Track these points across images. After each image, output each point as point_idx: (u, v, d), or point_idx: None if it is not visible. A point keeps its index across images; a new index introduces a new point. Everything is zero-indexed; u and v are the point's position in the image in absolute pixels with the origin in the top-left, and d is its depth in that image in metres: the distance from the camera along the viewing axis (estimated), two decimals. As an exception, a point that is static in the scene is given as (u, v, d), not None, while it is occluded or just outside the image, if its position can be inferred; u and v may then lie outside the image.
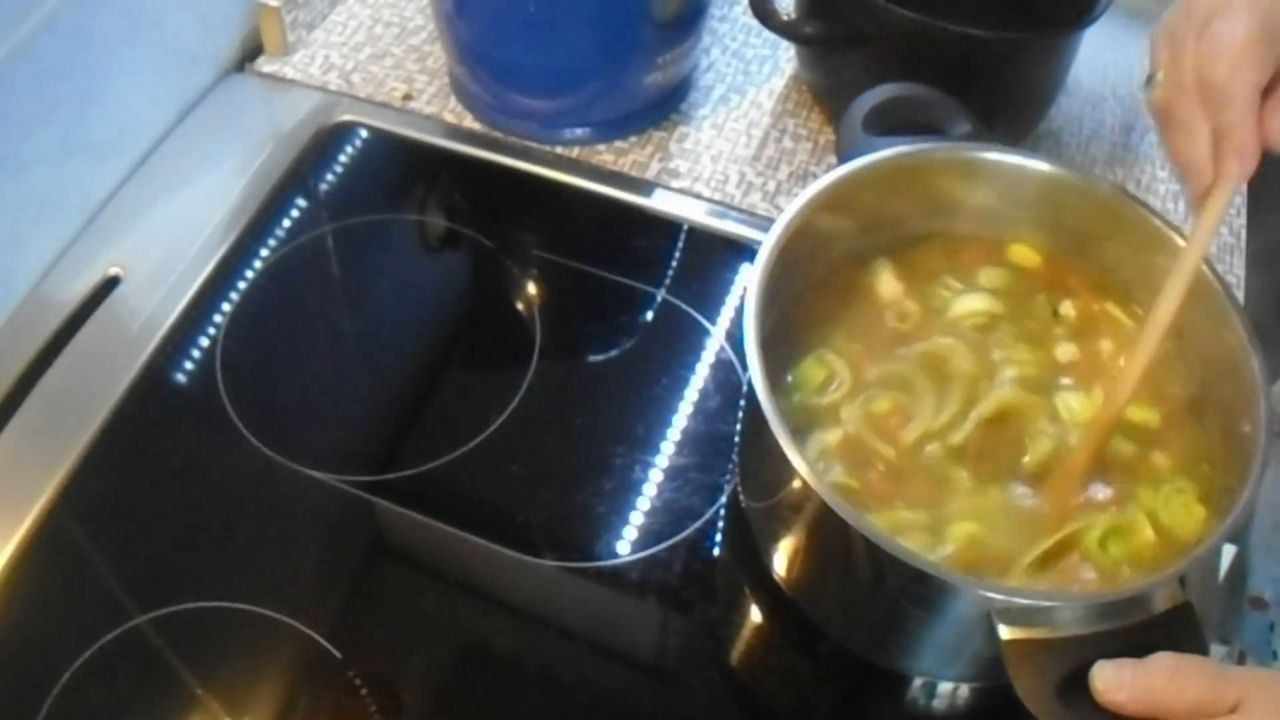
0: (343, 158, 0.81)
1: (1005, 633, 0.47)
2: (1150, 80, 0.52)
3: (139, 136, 0.78)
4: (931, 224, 0.64)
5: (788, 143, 0.84)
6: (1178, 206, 0.80)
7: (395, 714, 0.56)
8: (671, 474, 0.65)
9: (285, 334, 0.72)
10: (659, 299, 0.74)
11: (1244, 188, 0.82)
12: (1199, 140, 0.50)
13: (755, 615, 0.61)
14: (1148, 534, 0.54)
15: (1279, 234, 0.81)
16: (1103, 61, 0.89)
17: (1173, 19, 0.51)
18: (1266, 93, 0.49)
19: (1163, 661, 0.45)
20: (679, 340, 0.72)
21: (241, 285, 0.72)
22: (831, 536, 0.53)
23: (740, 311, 0.70)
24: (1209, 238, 0.53)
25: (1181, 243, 0.58)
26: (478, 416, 0.66)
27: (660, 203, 0.79)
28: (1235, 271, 0.77)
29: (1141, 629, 0.47)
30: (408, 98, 0.84)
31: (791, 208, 0.58)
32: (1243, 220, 0.80)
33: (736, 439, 0.66)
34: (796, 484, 0.51)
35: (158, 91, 0.79)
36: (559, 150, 0.81)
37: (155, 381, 0.67)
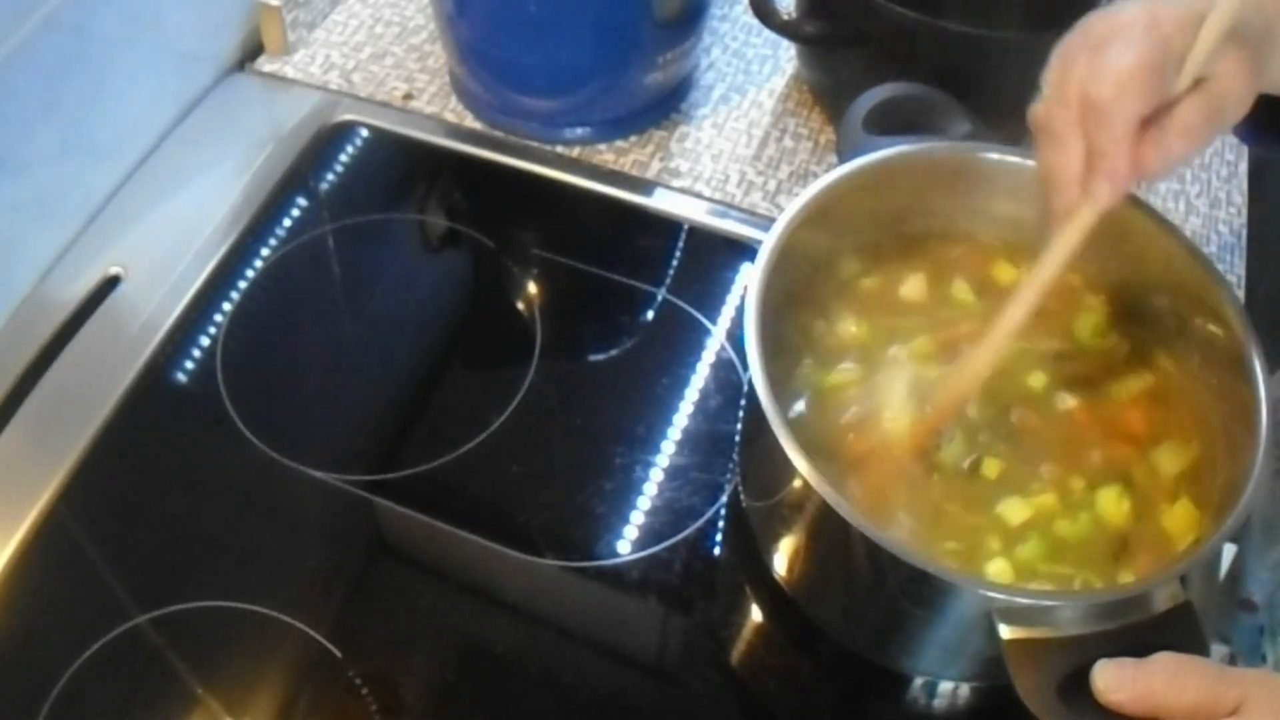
0: (343, 157, 0.81)
1: (1006, 632, 0.47)
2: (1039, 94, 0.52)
3: (139, 136, 0.78)
4: (931, 224, 0.64)
5: (788, 142, 0.83)
6: (1178, 206, 0.80)
7: (396, 713, 0.56)
8: (672, 473, 0.65)
9: (286, 334, 0.72)
10: (660, 298, 0.74)
11: (1244, 185, 0.82)
12: (1071, 157, 0.50)
13: (756, 615, 0.61)
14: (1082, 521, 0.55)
15: (1278, 229, 0.81)
16: (1103, 61, 0.88)
17: (1070, 39, 0.51)
18: (1147, 123, 0.48)
19: (1164, 661, 0.45)
20: (680, 340, 0.72)
21: (242, 285, 0.72)
22: (832, 536, 0.53)
23: (741, 311, 0.70)
24: (1067, 255, 0.51)
25: (1181, 241, 0.58)
26: (478, 416, 0.66)
27: (661, 202, 0.79)
28: (1235, 271, 0.77)
29: (1142, 628, 0.47)
30: (408, 97, 0.84)
31: (792, 207, 0.58)
32: (1243, 220, 0.80)
33: (737, 438, 0.66)
34: (797, 484, 0.51)
35: (158, 91, 0.79)
36: (560, 150, 0.81)
37: (155, 381, 0.67)
